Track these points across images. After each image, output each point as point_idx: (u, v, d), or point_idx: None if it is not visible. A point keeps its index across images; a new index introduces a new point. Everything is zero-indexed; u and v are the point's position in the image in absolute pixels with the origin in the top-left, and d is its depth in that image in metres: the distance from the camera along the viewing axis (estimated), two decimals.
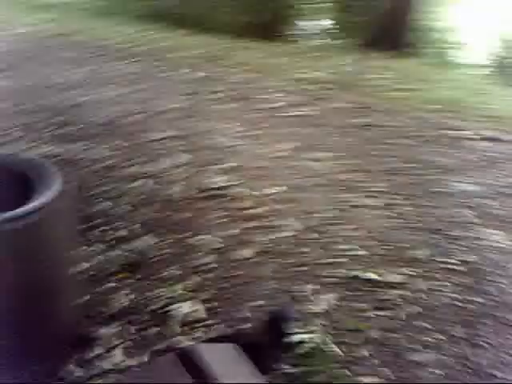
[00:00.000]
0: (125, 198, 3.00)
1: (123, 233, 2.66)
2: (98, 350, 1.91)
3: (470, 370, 2.21)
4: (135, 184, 3.18)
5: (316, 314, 2.34)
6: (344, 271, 2.67)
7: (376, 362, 2.20)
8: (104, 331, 2.00)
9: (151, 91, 5.04)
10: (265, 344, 1.91)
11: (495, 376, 2.16)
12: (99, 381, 1.80)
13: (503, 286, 2.72)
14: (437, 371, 2.19)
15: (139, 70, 5.77)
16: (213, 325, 2.16)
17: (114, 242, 2.58)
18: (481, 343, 2.33)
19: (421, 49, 10.66)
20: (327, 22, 13.52)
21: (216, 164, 3.65)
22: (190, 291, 2.32)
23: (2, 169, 1.97)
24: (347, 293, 2.52)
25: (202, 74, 5.97)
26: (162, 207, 2.97)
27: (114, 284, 2.30)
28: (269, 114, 4.88)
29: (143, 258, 2.49)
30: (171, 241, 2.67)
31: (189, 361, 1.76)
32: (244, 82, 5.86)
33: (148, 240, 2.61)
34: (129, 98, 4.74)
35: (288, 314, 2.08)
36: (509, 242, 3.12)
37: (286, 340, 2.00)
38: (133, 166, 3.42)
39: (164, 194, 3.11)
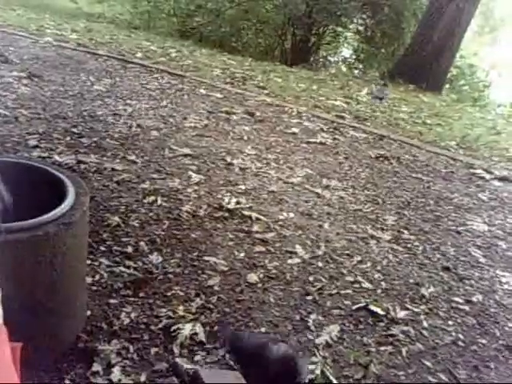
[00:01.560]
0: (134, 214, 3.01)
1: (129, 249, 2.67)
2: (95, 367, 1.90)
3: None
4: (145, 200, 3.20)
5: (317, 345, 2.33)
6: (348, 303, 2.66)
7: None
8: (103, 348, 2.00)
9: (169, 108, 5.11)
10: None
11: None
12: None
13: (508, 328, 2.69)
14: None
15: (159, 86, 5.85)
16: (212, 350, 2.15)
17: (119, 258, 2.59)
18: None
19: (443, 84, 10.70)
20: (349, 52, 13.66)
21: (227, 186, 3.67)
22: (191, 313, 2.31)
23: (18, 176, 2.00)
24: (350, 325, 2.50)
25: (221, 94, 6.04)
26: (171, 226, 2.98)
27: (116, 300, 2.30)
28: (284, 139, 4.91)
29: (147, 276, 2.49)
30: (177, 260, 2.68)
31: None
32: (261, 106, 5.91)
33: (153, 258, 2.62)
34: (146, 114, 4.80)
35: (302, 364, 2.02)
36: None
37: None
38: (145, 182, 3.45)
39: (173, 213, 3.13)
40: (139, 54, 7.35)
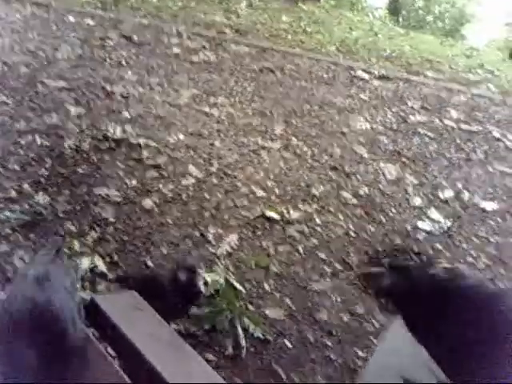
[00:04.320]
0: (12, 157, 2.83)
1: (13, 194, 2.53)
2: None
3: (363, 294, 2.39)
4: (23, 141, 3.00)
5: (219, 256, 2.41)
6: (245, 213, 2.74)
7: (278, 294, 2.32)
8: None
9: (37, 41, 4.70)
10: (170, 290, 1.93)
11: None
12: None
13: (392, 214, 2.93)
14: (334, 297, 2.35)
15: (22, 18, 5.32)
16: (114, 279, 2.16)
17: (3, 203, 2.45)
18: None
19: None
20: None
21: (111, 115, 3.52)
22: (88, 247, 2.28)
23: None
24: (248, 233, 2.61)
25: (93, 20, 5.63)
26: (54, 164, 2.84)
27: (6, 247, 2.21)
28: (165, 61, 4.74)
29: (36, 217, 2.39)
30: (66, 198, 2.59)
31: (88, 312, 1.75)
32: (138, 28, 5.60)
33: (40, 199, 2.50)
34: (12, 50, 4.40)
35: (194, 263, 2.08)
36: (397, 174, 3.35)
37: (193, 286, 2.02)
38: (20, 122, 3.22)
39: (56, 150, 2.98)
40: None
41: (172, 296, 1.88)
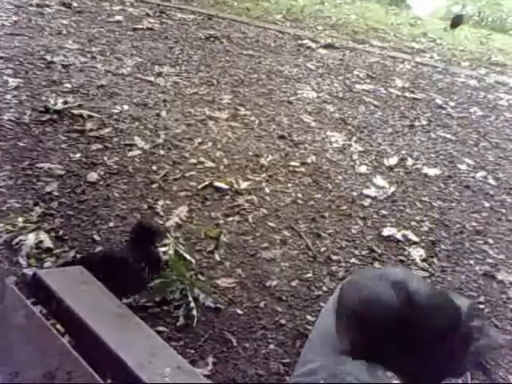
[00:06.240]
0: None
1: None
2: None
3: (311, 258, 2.45)
4: None
5: (168, 228, 2.39)
6: (193, 184, 2.73)
7: (228, 264, 2.34)
8: None
9: None
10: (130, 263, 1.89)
11: (332, 260, 2.42)
12: None
13: (338, 181, 2.99)
14: (283, 264, 2.39)
15: None
16: (61, 253, 2.11)
17: None
18: (320, 234, 2.58)
19: None
20: None
21: (51, 86, 3.39)
22: (32, 223, 2.21)
23: None
24: (197, 204, 2.60)
25: None
26: None
27: None
28: (107, 29, 4.58)
29: None
30: (7, 173, 2.49)
31: (32, 288, 1.72)
32: None
33: None
34: None
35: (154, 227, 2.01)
36: (343, 142, 3.40)
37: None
38: None
39: None
40: None
41: (132, 269, 1.85)
